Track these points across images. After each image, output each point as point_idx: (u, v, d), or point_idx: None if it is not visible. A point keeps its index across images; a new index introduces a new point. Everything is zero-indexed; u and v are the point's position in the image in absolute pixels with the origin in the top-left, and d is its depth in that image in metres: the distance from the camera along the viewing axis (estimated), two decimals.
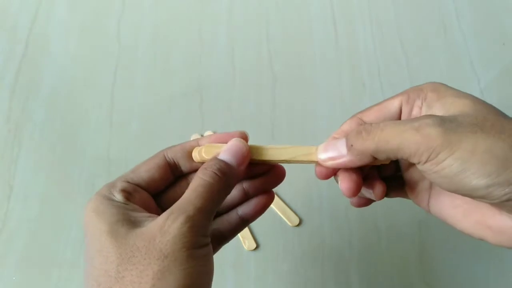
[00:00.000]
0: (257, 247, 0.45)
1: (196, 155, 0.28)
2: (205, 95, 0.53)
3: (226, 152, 0.27)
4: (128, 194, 0.26)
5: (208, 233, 0.25)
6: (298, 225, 0.46)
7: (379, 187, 0.29)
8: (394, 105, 0.28)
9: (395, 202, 0.47)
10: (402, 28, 0.57)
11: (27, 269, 0.44)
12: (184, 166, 0.29)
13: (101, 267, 0.23)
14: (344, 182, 0.28)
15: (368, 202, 0.31)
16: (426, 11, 0.59)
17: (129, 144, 0.50)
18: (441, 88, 0.26)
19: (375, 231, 0.45)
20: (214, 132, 0.50)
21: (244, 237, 0.45)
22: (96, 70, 0.55)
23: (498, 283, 0.43)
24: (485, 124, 0.23)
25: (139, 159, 0.29)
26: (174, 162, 0.29)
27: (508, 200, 0.22)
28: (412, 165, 0.29)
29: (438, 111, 0.25)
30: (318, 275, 0.44)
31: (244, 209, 0.31)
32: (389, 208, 0.46)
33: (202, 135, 0.50)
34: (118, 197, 0.26)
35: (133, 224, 0.24)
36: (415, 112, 0.27)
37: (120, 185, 0.27)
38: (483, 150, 0.22)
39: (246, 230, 0.45)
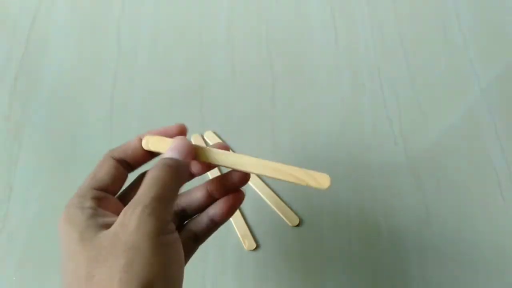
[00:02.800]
0: (257, 247, 0.45)
1: (145, 143, 0.31)
2: (205, 95, 0.53)
3: (171, 150, 0.29)
4: (98, 201, 0.28)
5: (170, 219, 0.26)
6: (298, 225, 0.46)
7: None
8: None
9: (395, 202, 0.47)
10: (402, 28, 0.57)
11: (27, 269, 0.44)
12: (134, 163, 0.31)
13: (73, 273, 0.24)
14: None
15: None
16: (426, 11, 0.59)
17: None
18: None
19: (375, 231, 0.45)
20: (214, 132, 0.50)
21: (244, 237, 0.45)
22: (96, 70, 0.55)
23: (498, 283, 0.43)
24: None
25: None
26: (124, 160, 0.31)
27: None
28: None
29: None
30: (318, 275, 0.44)
31: (212, 211, 0.32)
32: (389, 208, 0.46)
33: (202, 135, 0.50)
34: (89, 204, 0.27)
35: (101, 227, 0.25)
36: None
37: (90, 193, 0.28)
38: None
39: (246, 230, 0.45)
